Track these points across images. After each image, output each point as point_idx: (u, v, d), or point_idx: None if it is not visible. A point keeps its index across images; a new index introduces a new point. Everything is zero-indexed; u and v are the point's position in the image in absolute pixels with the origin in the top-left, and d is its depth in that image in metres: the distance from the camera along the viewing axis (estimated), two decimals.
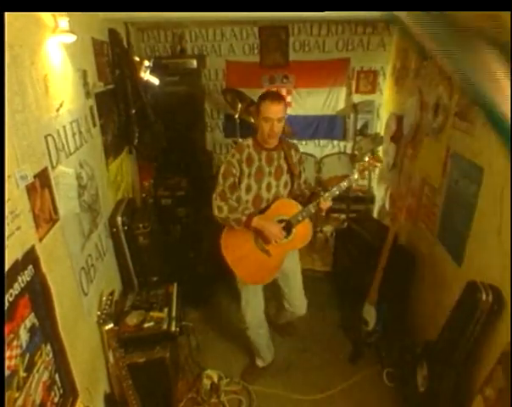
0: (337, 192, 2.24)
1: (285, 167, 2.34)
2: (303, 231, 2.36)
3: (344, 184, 2.24)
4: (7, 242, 1.39)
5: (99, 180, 2.55)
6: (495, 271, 1.87)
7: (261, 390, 2.74)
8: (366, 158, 2.28)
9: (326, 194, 2.23)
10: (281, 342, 3.15)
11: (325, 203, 2.23)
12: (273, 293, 2.77)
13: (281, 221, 2.30)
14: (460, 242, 2.23)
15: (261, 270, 2.40)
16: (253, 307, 2.57)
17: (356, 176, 2.26)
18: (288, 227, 2.31)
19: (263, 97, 2.19)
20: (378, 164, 2.30)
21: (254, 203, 2.32)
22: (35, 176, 1.64)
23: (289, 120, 4.81)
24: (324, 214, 2.32)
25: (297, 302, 2.69)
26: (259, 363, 2.87)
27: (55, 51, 1.96)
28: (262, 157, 2.29)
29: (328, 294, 3.52)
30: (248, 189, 2.30)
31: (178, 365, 2.73)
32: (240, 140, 2.33)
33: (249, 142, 2.32)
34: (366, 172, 2.29)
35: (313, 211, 2.27)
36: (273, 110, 2.14)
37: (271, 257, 2.35)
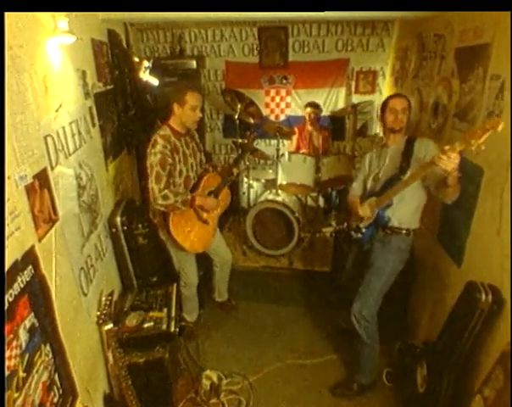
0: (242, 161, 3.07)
1: (195, 147, 2.76)
2: (225, 195, 2.90)
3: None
4: (6, 243, 1.39)
5: (98, 180, 2.55)
6: (495, 271, 1.87)
7: (261, 390, 2.74)
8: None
9: (235, 168, 2.87)
10: (277, 341, 3.16)
11: (237, 169, 2.91)
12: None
13: (210, 193, 2.75)
14: (460, 242, 2.23)
15: (203, 237, 2.83)
16: (191, 269, 2.97)
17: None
18: (215, 196, 2.77)
19: (184, 90, 2.48)
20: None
21: (185, 183, 2.64)
22: (34, 177, 1.64)
23: (289, 120, 4.84)
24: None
25: (222, 250, 3.20)
26: (188, 318, 3.20)
27: (54, 52, 1.96)
28: (182, 142, 2.62)
29: (327, 294, 3.52)
30: (181, 173, 2.61)
31: (177, 365, 2.72)
32: (161, 131, 2.52)
33: (167, 131, 2.52)
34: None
35: (233, 179, 2.90)
36: (197, 99, 2.51)
37: (208, 224, 2.82)
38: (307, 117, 4.27)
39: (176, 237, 2.59)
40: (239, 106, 3.87)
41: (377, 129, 4.65)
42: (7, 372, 1.35)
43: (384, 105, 2.37)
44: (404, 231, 2.36)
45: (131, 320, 2.47)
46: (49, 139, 1.83)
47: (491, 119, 1.63)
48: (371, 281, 2.41)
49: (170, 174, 2.49)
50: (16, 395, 1.40)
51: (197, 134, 2.87)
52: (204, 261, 3.21)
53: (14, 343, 1.41)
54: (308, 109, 4.24)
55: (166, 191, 2.41)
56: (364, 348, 2.53)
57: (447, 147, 1.76)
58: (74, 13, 2.14)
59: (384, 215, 2.34)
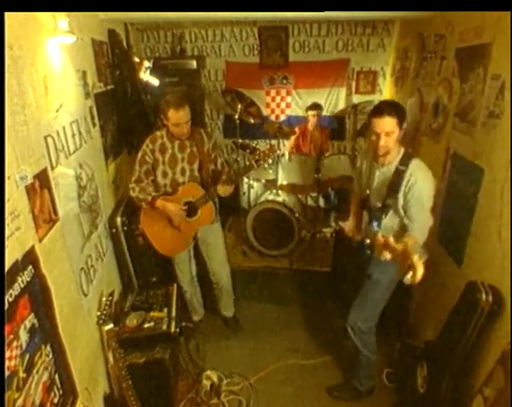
0: (234, 179, 2.62)
1: (196, 153, 2.65)
2: (206, 211, 2.70)
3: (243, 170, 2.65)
4: (7, 243, 1.39)
5: (99, 180, 2.55)
6: (495, 271, 1.87)
7: (261, 390, 2.74)
8: (262, 149, 2.62)
9: (225, 180, 2.59)
10: (277, 341, 3.16)
11: (224, 189, 2.58)
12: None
13: (187, 203, 2.61)
14: (460, 242, 2.23)
15: (174, 244, 2.75)
16: (183, 272, 3.00)
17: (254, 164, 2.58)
18: (193, 208, 2.64)
19: (167, 105, 2.44)
20: (271, 155, 2.56)
21: (171, 186, 2.65)
22: (34, 177, 1.64)
23: (289, 120, 4.84)
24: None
25: (217, 269, 3.05)
26: (195, 318, 3.25)
27: (55, 52, 1.96)
28: (175, 145, 2.61)
29: (328, 295, 3.52)
30: (164, 174, 2.63)
31: (178, 365, 2.72)
32: (156, 132, 2.66)
33: (163, 132, 2.61)
34: (262, 162, 2.57)
35: (214, 195, 2.64)
36: (178, 117, 2.44)
37: (182, 232, 2.69)
38: (310, 120, 4.24)
39: (145, 232, 2.68)
40: (239, 106, 3.86)
41: None
42: (7, 372, 1.35)
43: (369, 121, 2.06)
44: None
45: (132, 321, 2.47)
46: (49, 139, 1.83)
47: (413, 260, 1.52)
48: (368, 292, 2.34)
49: (149, 172, 2.62)
50: (16, 395, 1.40)
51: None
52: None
53: (15, 344, 1.41)
54: (311, 112, 4.20)
55: (134, 184, 2.60)
56: (361, 357, 2.50)
57: (386, 240, 1.72)
58: (74, 13, 2.14)
59: (365, 248, 2.14)
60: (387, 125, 1.95)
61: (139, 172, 2.60)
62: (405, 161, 2.04)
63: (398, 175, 2.04)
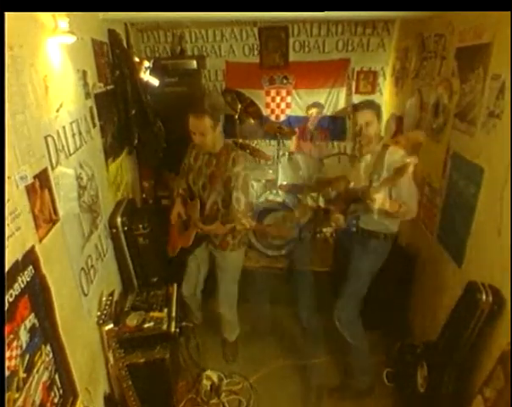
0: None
1: (218, 173, 2.49)
2: (187, 234, 2.63)
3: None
4: (7, 243, 1.39)
5: (99, 180, 2.55)
6: (495, 272, 1.87)
7: (261, 390, 2.74)
8: None
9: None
10: (277, 341, 3.17)
11: (203, 226, 2.49)
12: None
13: (185, 221, 2.65)
14: (460, 242, 2.23)
15: (172, 243, 2.76)
16: (186, 279, 2.96)
17: None
18: (189, 225, 2.62)
19: (190, 111, 2.39)
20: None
21: (198, 195, 2.63)
22: (34, 177, 1.64)
23: (289, 121, 4.84)
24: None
25: (221, 297, 2.87)
26: (194, 320, 3.15)
27: (55, 52, 1.96)
28: (204, 158, 2.58)
29: (328, 294, 3.51)
30: (194, 183, 2.64)
31: (178, 365, 2.72)
32: None
33: None
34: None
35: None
36: (193, 124, 2.38)
37: (184, 235, 2.66)
38: (312, 118, 4.26)
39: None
40: (239, 106, 3.87)
41: None
42: (7, 373, 1.35)
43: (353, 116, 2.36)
44: (382, 236, 2.38)
45: (132, 321, 2.47)
46: (50, 139, 1.83)
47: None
48: (350, 282, 2.46)
49: (187, 177, 2.69)
50: (16, 396, 1.40)
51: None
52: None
53: (15, 344, 1.41)
54: (313, 110, 4.23)
55: (177, 177, 2.77)
56: (351, 349, 2.56)
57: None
58: (74, 13, 2.14)
59: (353, 223, 2.42)
60: (367, 116, 2.25)
61: (182, 171, 2.73)
62: (384, 149, 2.28)
63: (379, 158, 2.26)
